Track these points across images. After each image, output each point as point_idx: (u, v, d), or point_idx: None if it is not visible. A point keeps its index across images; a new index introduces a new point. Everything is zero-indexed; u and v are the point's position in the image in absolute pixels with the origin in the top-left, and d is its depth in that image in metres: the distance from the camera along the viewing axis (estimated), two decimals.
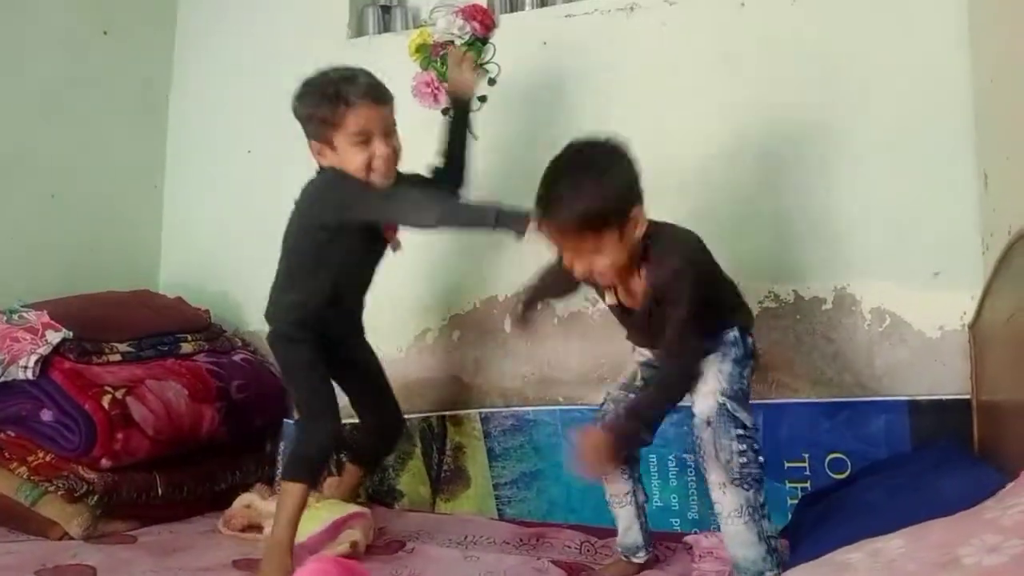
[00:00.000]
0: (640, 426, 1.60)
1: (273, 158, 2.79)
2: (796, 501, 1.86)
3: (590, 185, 1.50)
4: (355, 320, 2.06)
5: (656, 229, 1.59)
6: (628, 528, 1.75)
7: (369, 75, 1.87)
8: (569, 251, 1.55)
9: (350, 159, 1.81)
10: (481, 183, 2.46)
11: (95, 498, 2.01)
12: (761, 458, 1.53)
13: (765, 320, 2.09)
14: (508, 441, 2.25)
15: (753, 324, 1.69)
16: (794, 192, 2.10)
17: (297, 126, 2.74)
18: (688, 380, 1.58)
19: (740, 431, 1.51)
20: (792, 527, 1.71)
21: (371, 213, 1.82)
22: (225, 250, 2.85)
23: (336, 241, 1.85)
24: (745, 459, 1.50)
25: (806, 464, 1.94)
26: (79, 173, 2.70)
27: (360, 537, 1.84)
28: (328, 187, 1.85)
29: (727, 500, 1.51)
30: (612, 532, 1.98)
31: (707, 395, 1.54)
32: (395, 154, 1.85)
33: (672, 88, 2.25)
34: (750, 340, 1.64)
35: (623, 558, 1.76)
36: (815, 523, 1.57)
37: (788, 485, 1.95)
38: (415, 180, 1.95)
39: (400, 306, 2.53)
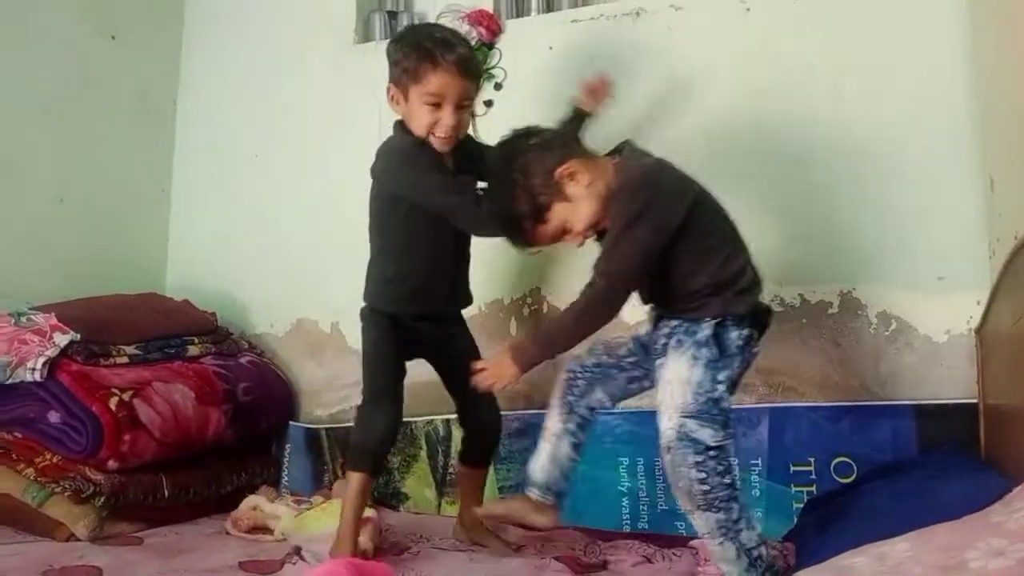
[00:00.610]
0: (540, 349, 1.59)
1: (280, 162, 2.81)
2: (801, 505, 1.86)
3: (508, 186, 1.59)
4: (455, 297, 1.99)
5: (620, 166, 1.61)
6: (539, 462, 1.71)
7: (468, 46, 1.88)
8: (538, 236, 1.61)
9: (417, 116, 1.82)
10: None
11: (102, 499, 2.02)
12: (730, 476, 1.46)
13: (772, 323, 2.08)
14: (513, 444, 2.25)
15: (747, 310, 1.56)
16: (799, 196, 2.11)
17: (304, 130, 2.77)
18: (606, 310, 1.55)
19: (699, 457, 1.43)
20: (797, 531, 1.72)
21: (426, 201, 1.81)
22: (232, 253, 2.86)
23: (417, 211, 1.83)
24: (707, 485, 1.43)
25: (812, 468, 1.94)
26: (87, 178, 2.71)
27: (367, 543, 1.85)
28: (397, 157, 1.85)
29: (699, 524, 1.48)
30: (617, 534, 1.99)
31: (668, 413, 1.47)
32: (459, 126, 1.84)
33: (678, 92, 2.26)
34: (736, 334, 1.52)
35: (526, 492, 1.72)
36: (820, 527, 1.57)
37: (794, 489, 1.95)
38: (476, 155, 1.90)
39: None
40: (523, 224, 1.61)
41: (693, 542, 1.81)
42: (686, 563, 1.75)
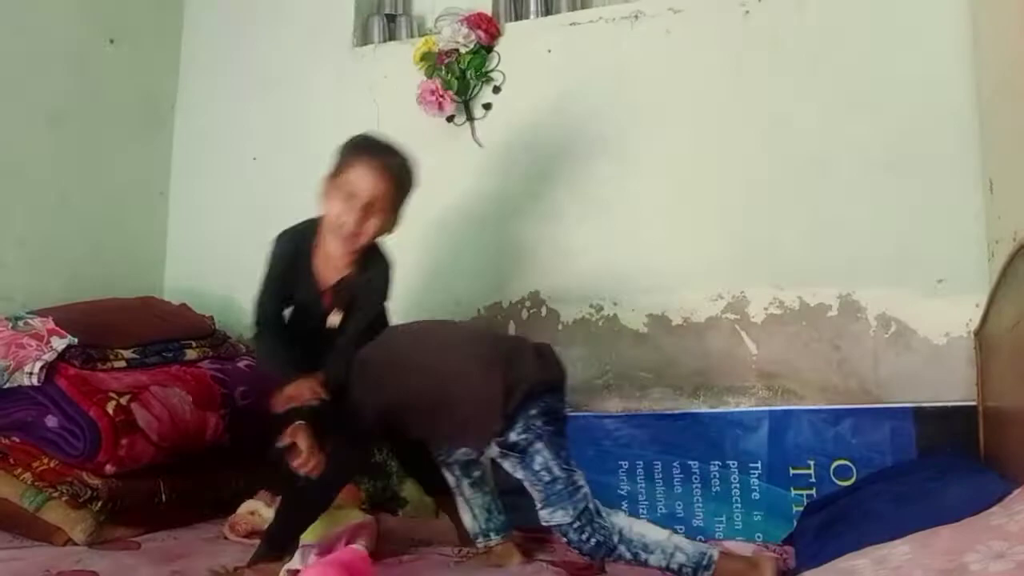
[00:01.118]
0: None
1: (278, 165, 2.81)
2: (801, 508, 1.86)
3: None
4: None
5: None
6: (465, 517, 1.83)
7: (404, 157, 1.84)
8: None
9: (326, 206, 1.80)
10: (484, 190, 2.47)
11: (99, 504, 2.01)
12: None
13: (770, 326, 2.09)
14: None
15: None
16: (799, 199, 2.11)
17: (303, 133, 2.77)
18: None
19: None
20: (797, 534, 1.71)
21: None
22: (229, 257, 2.85)
23: None
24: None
25: (811, 471, 1.94)
26: (86, 182, 2.71)
27: (365, 547, 1.84)
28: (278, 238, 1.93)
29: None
30: None
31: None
32: (364, 231, 1.79)
33: (676, 95, 2.26)
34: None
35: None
36: (820, 530, 1.56)
37: (793, 492, 1.95)
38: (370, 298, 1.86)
39: (404, 313, 2.53)
40: None
41: None
42: None
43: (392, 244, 2.56)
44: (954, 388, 1.90)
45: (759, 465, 1.99)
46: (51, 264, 2.57)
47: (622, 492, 2.10)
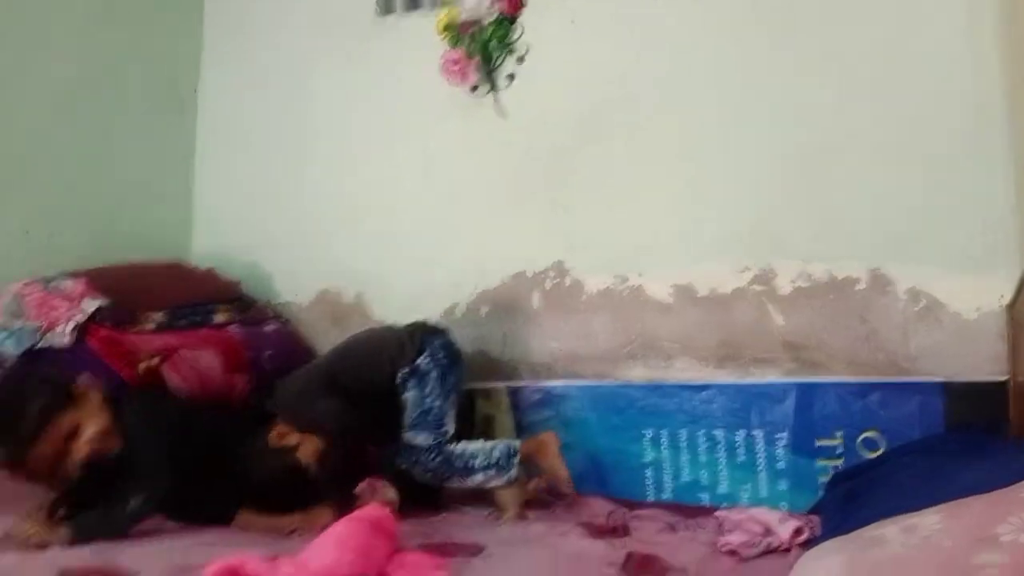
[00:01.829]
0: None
1: (299, 133, 2.81)
2: (827, 479, 1.85)
3: None
4: None
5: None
6: None
7: None
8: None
9: None
10: (507, 160, 2.46)
11: None
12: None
13: (798, 299, 2.08)
14: (536, 415, 2.26)
15: None
16: (827, 171, 2.08)
17: (326, 102, 2.76)
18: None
19: None
20: (822, 504, 1.71)
21: None
22: (256, 223, 2.87)
23: None
24: None
25: (839, 443, 1.93)
26: (115, 150, 2.73)
27: (394, 496, 1.88)
28: None
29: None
30: (641, 504, 2.01)
31: None
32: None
33: (702, 65, 2.23)
34: None
35: None
36: (846, 500, 1.56)
37: (819, 463, 1.94)
38: None
39: (428, 281, 2.54)
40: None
41: (718, 512, 1.82)
42: (710, 532, 1.75)
43: (407, 214, 2.58)
44: (985, 363, 1.88)
45: (785, 435, 1.98)
46: (82, 230, 2.60)
47: (646, 460, 2.11)
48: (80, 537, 1.63)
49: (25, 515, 1.71)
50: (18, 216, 2.47)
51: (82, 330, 2.16)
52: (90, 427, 1.78)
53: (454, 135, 2.55)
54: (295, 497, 1.85)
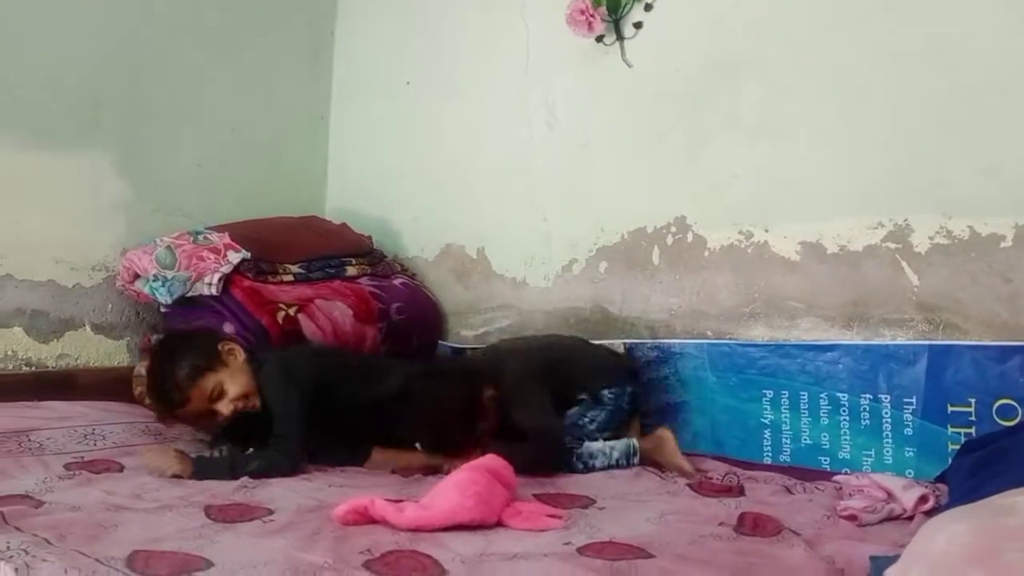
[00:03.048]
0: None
1: (430, 89, 2.87)
2: (957, 447, 1.77)
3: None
4: None
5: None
6: None
7: None
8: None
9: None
10: (632, 111, 2.43)
11: None
12: None
13: (935, 257, 1.97)
14: (653, 372, 2.25)
15: None
16: (972, 121, 1.93)
17: (453, 54, 2.80)
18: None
19: None
20: (951, 471, 1.64)
21: None
22: (385, 179, 2.97)
23: None
24: None
25: (972, 409, 1.83)
26: (254, 110, 2.88)
27: None
28: None
29: None
30: (757, 465, 1.99)
31: None
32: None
33: (838, 11, 2.10)
34: None
35: None
36: (977, 468, 1.49)
37: (950, 430, 1.86)
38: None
39: (548, 237, 2.57)
40: None
41: (837, 477, 1.78)
42: (828, 496, 1.71)
43: (529, 169, 2.59)
44: None
45: (914, 400, 1.90)
46: (223, 185, 2.76)
47: (764, 421, 2.08)
48: (199, 477, 1.77)
49: (157, 449, 1.88)
50: (191, 152, 2.69)
51: (227, 280, 2.33)
52: (232, 388, 1.94)
53: (579, 86, 2.54)
54: (456, 429, 1.91)
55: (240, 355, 2.00)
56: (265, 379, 1.97)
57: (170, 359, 1.95)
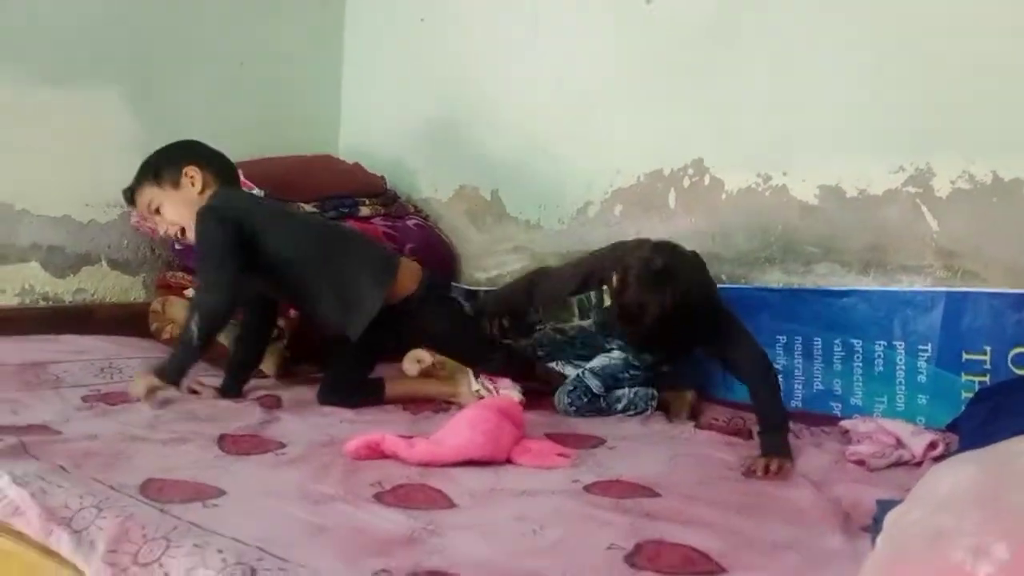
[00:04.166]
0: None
1: (445, 26, 2.81)
2: (971, 395, 1.77)
3: None
4: None
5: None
6: None
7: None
8: None
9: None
10: (649, 49, 2.38)
11: (285, 342, 2.23)
12: None
13: (956, 203, 1.93)
14: None
15: None
16: (999, 61, 1.87)
17: None
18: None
19: None
20: (963, 419, 1.64)
21: None
22: (399, 119, 2.93)
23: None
24: None
25: (987, 357, 1.82)
26: (266, 46, 2.84)
27: (522, 398, 1.94)
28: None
29: None
30: None
31: None
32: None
33: None
34: None
35: None
36: (988, 417, 1.49)
37: (964, 378, 1.84)
38: None
39: (563, 179, 2.54)
40: None
41: (844, 422, 1.78)
42: (835, 441, 1.72)
43: (544, 111, 2.55)
44: None
45: (929, 348, 1.89)
46: (237, 122, 2.72)
47: (777, 366, 2.07)
48: (170, 380, 1.76)
49: (137, 375, 1.84)
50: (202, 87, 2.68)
51: None
52: (169, 212, 1.90)
53: (595, 24, 2.48)
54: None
55: (198, 185, 1.87)
56: (196, 219, 1.82)
57: (158, 151, 1.96)
